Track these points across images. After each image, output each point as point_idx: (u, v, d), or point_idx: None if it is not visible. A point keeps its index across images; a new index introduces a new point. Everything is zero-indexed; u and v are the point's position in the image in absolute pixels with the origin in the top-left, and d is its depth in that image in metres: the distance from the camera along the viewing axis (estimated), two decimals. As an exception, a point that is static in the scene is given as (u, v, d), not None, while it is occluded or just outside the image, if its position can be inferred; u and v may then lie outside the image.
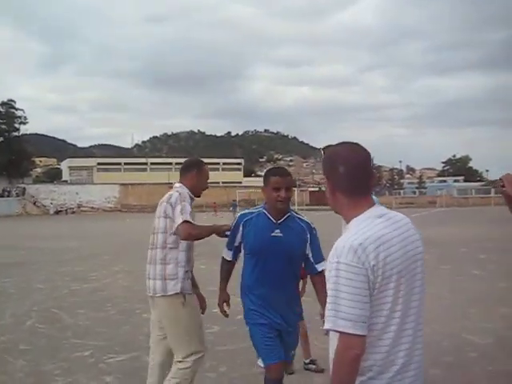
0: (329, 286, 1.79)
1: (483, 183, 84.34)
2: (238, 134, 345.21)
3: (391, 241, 1.83)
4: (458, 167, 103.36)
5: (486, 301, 7.90)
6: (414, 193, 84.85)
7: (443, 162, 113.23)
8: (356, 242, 1.78)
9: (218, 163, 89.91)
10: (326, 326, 1.79)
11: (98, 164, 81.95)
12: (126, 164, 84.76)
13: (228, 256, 3.64)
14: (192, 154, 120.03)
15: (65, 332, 6.59)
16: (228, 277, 3.73)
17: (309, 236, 3.43)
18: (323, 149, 2.02)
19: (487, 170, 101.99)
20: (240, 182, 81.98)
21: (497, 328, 6.35)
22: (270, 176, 3.36)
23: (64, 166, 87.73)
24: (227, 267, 3.70)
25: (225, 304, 3.70)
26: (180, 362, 3.56)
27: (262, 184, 3.43)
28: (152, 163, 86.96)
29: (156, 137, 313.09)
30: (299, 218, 3.47)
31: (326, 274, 1.84)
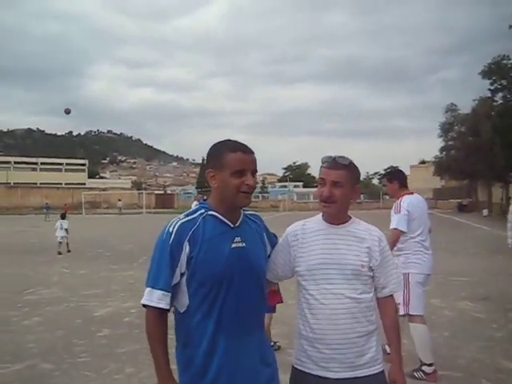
0: (390, 257, 2.30)
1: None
2: (79, 134, 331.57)
3: None
4: (298, 173, 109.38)
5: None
6: (258, 197, 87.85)
7: (284, 168, 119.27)
8: None
9: (61, 164, 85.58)
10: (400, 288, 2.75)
11: None
12: (-48, 162, 76.86)
13: (162, 303, 2.01)
14: (31, 153, 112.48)
15: None
16: (167, 343, 2.05)
17: (265, 234, 2.30)
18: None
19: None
20: (84, 184, 78.73)
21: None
22: (228, 152, 2.03)
23: None
24: (163, 325, 2.05)
25: None
26: None
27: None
28: (-13, 162, 79.84)
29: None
30: (248, 213, 2.27)
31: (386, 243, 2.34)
